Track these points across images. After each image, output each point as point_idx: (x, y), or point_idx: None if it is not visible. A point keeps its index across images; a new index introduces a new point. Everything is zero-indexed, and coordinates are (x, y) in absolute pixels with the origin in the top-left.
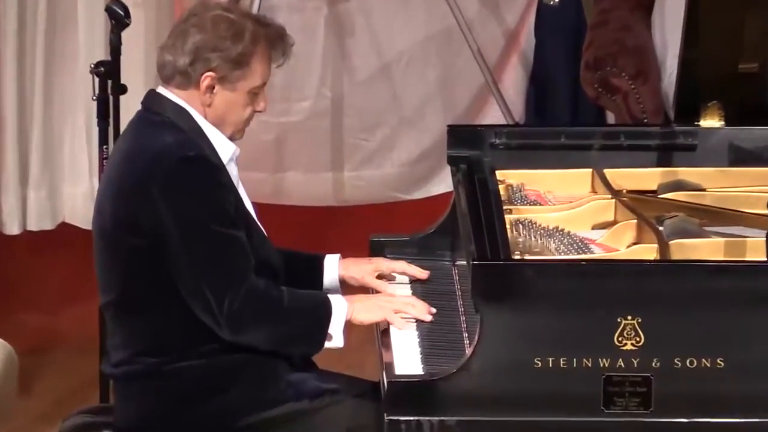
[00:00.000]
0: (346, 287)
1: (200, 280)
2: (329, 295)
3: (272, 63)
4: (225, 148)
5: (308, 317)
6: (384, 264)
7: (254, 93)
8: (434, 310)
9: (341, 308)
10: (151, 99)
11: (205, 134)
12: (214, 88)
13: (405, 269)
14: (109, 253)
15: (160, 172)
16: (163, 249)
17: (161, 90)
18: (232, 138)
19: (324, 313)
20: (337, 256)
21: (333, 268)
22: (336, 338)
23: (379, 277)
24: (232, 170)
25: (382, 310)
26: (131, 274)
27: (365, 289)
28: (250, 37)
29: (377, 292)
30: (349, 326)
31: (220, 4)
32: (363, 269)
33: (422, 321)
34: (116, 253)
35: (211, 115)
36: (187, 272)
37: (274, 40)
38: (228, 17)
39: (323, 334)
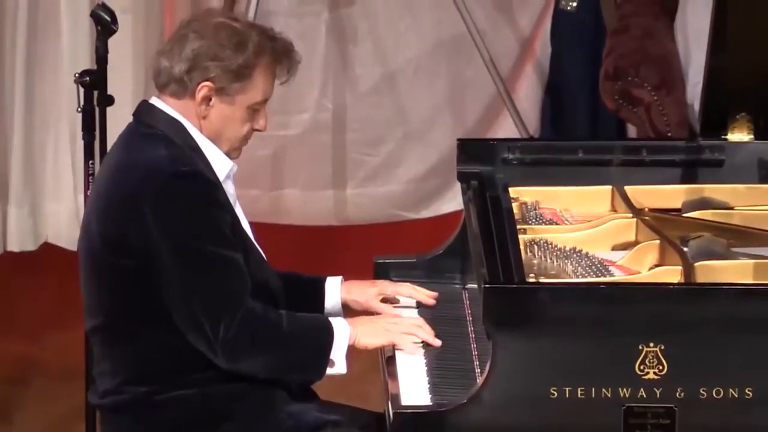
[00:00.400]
0: (349, 311)
1: (193, 305)
2: (331, 319)
3: (276, 79)
4: (221, 165)
5: (309, 343)
6: (389, 287)
7: (254, 109)
8: (439, 342)
9: (344, 332)
10: (144, 110)
11: (200, 149)
12: (210, 99)
13: (411, 293)
14: (96, 273)
15: (151, 187)
16: (154, 270)
17: (154, 101)
18: (227, 156)
19: (326, 337)
20: (339, 278)
21: (335, 291)
22: (338, 364)
23: (384, 300)
24: (229, 188)
25: (389, 333)
26: (120, 296)
27: (368, 313)
28: (254, 48)
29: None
30: (353, 352)
31: (225, 12)
32: (366, 292)
33: (431, 345)
34: (104, 274)
35: (207, 129)
36: (180, 296)
37: (279, 54)
38: (232, 26)
39: (325, 361)
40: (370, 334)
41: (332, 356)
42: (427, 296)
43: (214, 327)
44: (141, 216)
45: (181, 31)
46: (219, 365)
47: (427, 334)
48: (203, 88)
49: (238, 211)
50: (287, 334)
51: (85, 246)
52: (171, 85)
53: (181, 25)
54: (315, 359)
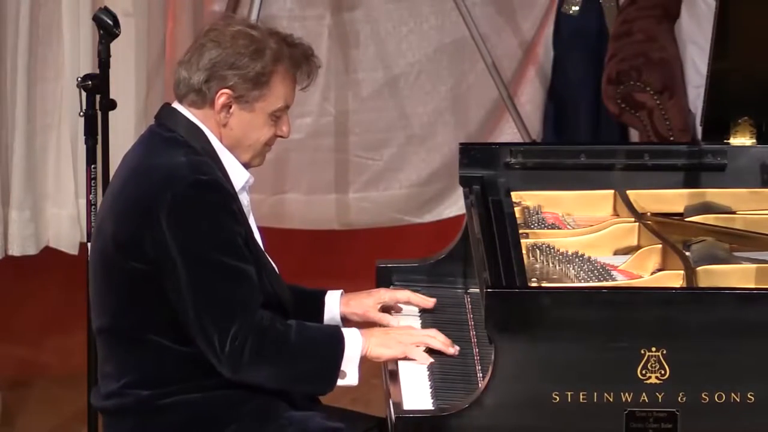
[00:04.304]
0: (351, 324)
1: (203, 315)
2: (344, 329)
3: (297, 85)
4: (238, 175)
5: (318, 354)
6: (386, 295)
7: (276, 116)
8: (458, 348)
9: (356, 343)
10: (165, 113)
11: (218, 157)
12: (230, 107)
13: (409, 298)
14: (105, 274)
15: (168, 194)
16: (164, 277)
17: (176, 105)
18: (250, 164)
19: (336, 349)
20: (339, 292)
21: (334, 305)
22: (350, 376)
23: (384, 308)
24: (244, 199)
25: (402, 344)
26: (127, 299)
27: (370, 324)
28: (272, 55)
29: (382, 325)
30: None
31: (244, 19)
32: (364, 303)
33: (445, 354)
34: (113, 274)
35: (227, 137)
36: (190, 305)
37: (298, 60)
38: (249, 33)
39: (335, 372)
40: (381, 345)
41: (344, 367)
42: (425, 300)
43: (222, 337)
44: (156, 222)
45: (199, 40)
46: (224, 375)
47: (441, 343)
48: (222, 96)
49: (252, 222)
50: (295, 346)
51: (97, 245)
52: (190, 95)
53: (199, 35)
54: (324, 371)
